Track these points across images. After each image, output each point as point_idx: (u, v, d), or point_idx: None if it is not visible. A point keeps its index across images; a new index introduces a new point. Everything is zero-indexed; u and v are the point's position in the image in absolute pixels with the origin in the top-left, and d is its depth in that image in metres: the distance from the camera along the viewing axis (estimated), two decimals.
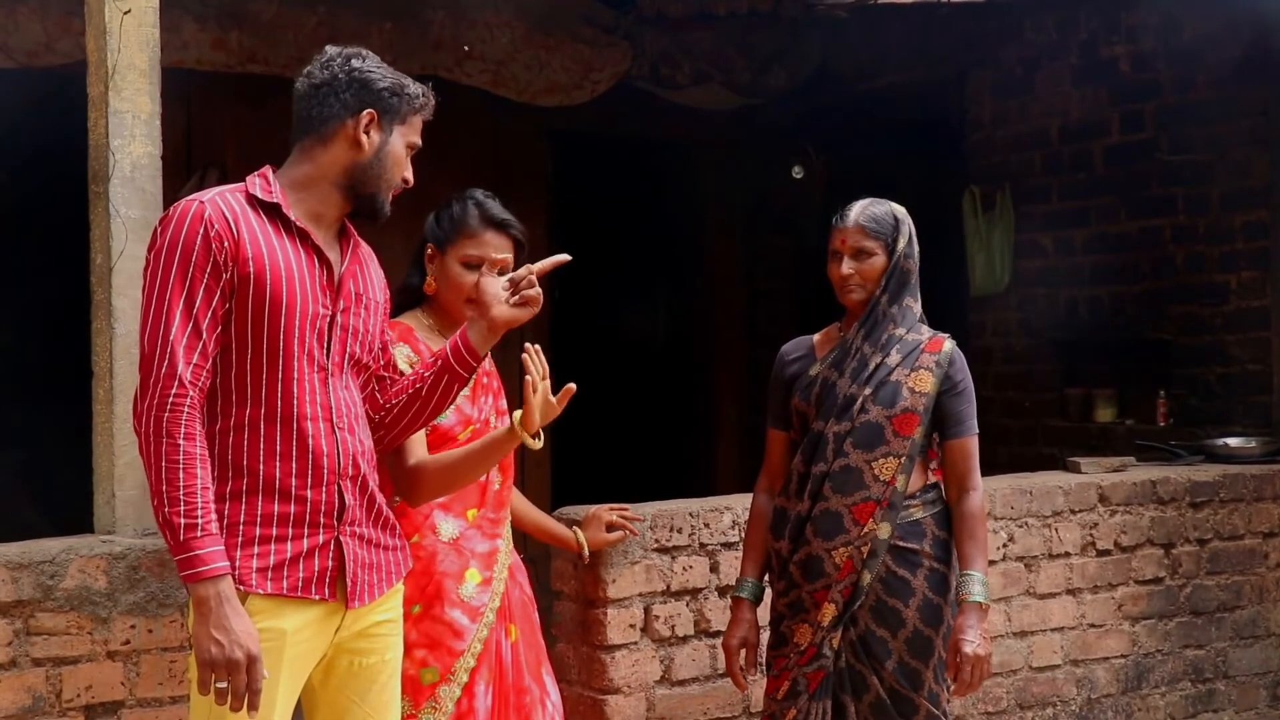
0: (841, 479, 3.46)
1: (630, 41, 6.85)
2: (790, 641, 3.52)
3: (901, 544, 3.45)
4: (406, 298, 3.38)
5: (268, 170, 2.77)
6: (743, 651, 3.60)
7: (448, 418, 3.23)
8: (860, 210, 3.54)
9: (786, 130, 8.18)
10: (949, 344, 3.53)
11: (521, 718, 3.30)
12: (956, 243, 7.41)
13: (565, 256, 3.04)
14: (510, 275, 2.94)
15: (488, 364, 3.40)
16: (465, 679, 3.20)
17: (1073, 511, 4.87)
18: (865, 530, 3.43)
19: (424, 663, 3.18)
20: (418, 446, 3.15)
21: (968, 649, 3.33)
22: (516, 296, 2.89)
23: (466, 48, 6.33)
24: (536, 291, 2.89)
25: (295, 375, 2.68)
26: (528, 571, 3.49)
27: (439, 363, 2.92)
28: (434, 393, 2.92)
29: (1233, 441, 5.73)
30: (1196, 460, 5.54)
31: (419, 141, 2.86)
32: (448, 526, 3.24)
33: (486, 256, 3.28)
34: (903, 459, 3.45)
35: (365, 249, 2.90)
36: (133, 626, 3.40)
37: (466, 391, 3.29)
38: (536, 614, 3.45)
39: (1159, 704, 5.07)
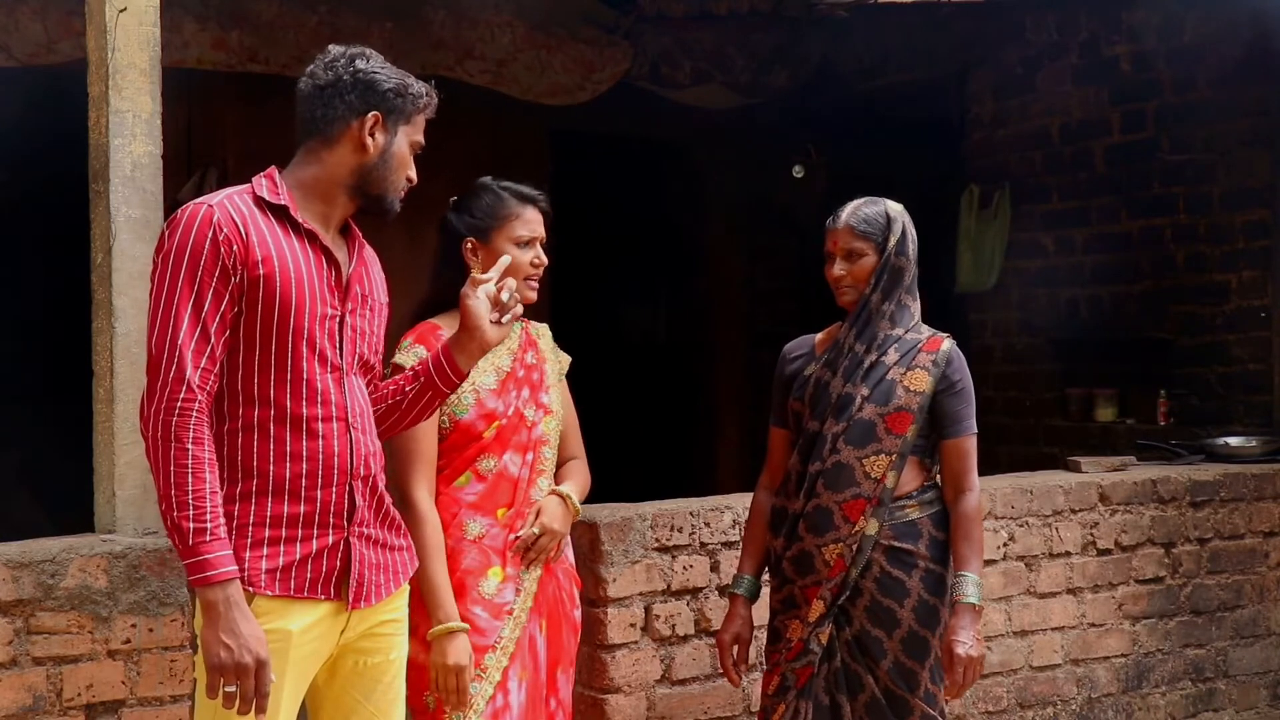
0: (833, 476, 3.46)
1: (631, 41, 6.83)
2: (783, 637, 3.53)
3: (897, 544, 3.44)
4: (447, 297, 3.30)
5: (273, 171, 2.76)
6: (735, 647, 3.60)
7: (468, 413, 3.24)
8: (851, 211, 3.54)
9: (786, 130, 8.18)
10: (947, 343, 3.52)
11: (537, 714, 3.32)
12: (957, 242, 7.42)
13: (507, 258, 3.01)
14: (491, 293, 2.88)
15: (530, 356, 3.40)
16: (498, 676, 3.21)
17: (1073, 511, 4.86)
18: (856, 528, 3.43)
19: None
20: None
21: (960, 650, 3.33)
22: (504, 315, 2.89)
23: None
24: (516, 301, 2.91)
25: (306, 376, 2.67)
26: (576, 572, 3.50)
27: (421, 379, 2.91)
28: (415, 406, 2.92)
29: (1233, 441, 5.73)
30: (1197, 459, 5.54)
31: (423, 140, 2.85)
32: (474, 526, 3.27)
33: (534, 233, 3.37)
34: (894, 457, 3.44)
35: (370, 251, 2.89)
36: (133, 625, 3.39)
37: (492, 385, 3.29)
38: (575, 612, 3.44)
39: (1159, 703, 5.07)
